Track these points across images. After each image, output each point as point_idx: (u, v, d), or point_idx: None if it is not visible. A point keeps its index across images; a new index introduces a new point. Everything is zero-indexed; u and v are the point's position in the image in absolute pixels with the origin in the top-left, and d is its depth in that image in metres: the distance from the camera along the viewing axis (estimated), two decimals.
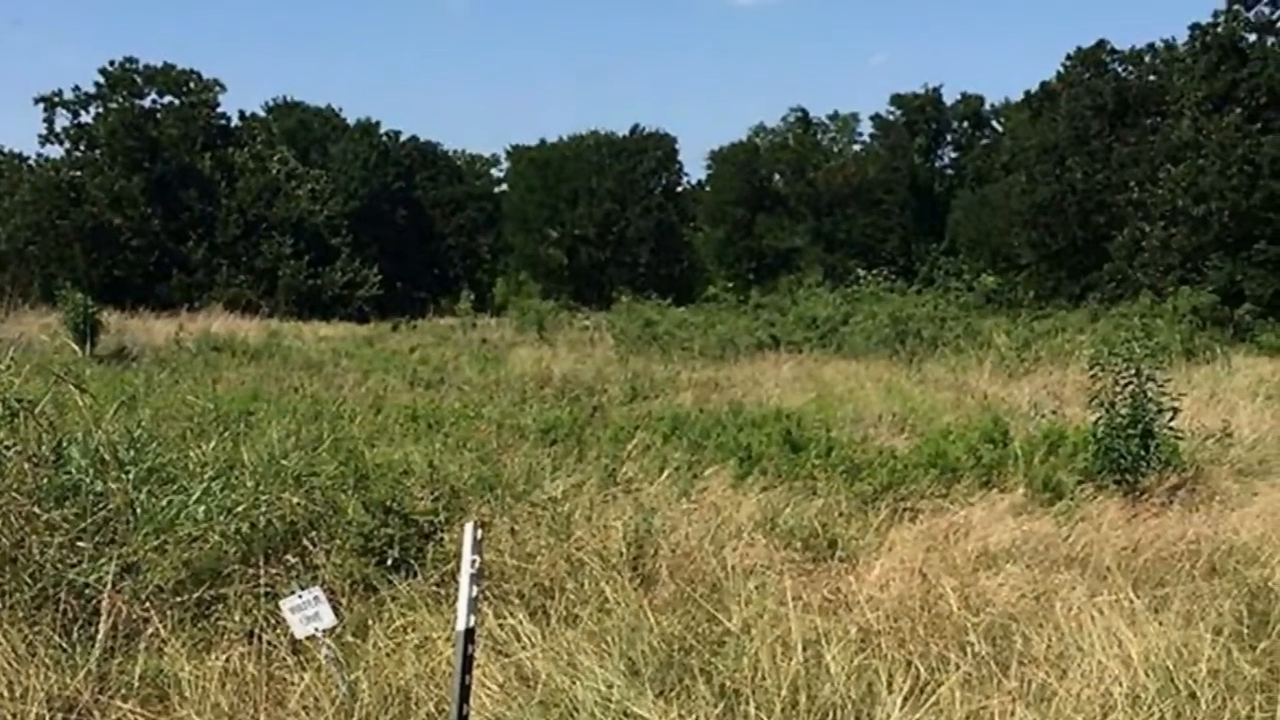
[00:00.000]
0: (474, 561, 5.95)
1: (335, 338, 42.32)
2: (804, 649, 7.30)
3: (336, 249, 69.20)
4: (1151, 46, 65.35)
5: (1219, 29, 52.29)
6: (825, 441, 14.98)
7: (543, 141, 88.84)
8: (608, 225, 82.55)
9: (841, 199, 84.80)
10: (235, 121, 74.21)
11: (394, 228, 77.92)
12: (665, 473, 13.08)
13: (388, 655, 7.62)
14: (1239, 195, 47.95)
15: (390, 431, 15.25)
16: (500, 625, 7.89)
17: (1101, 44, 65.73)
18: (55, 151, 68.78)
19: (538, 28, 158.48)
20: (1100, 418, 14.35)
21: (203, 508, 8.86)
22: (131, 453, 9.56)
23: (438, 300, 69.94)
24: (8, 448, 8.91)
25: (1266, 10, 52.16)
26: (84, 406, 10.60)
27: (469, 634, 5.93)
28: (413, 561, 9.02)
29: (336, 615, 7.40)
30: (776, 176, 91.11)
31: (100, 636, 7.52)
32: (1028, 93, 73.30)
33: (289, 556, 8.89)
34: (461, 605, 5.94)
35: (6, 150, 69.04)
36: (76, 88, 68.90)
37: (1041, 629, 7.99)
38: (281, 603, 7.19)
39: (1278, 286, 46.68)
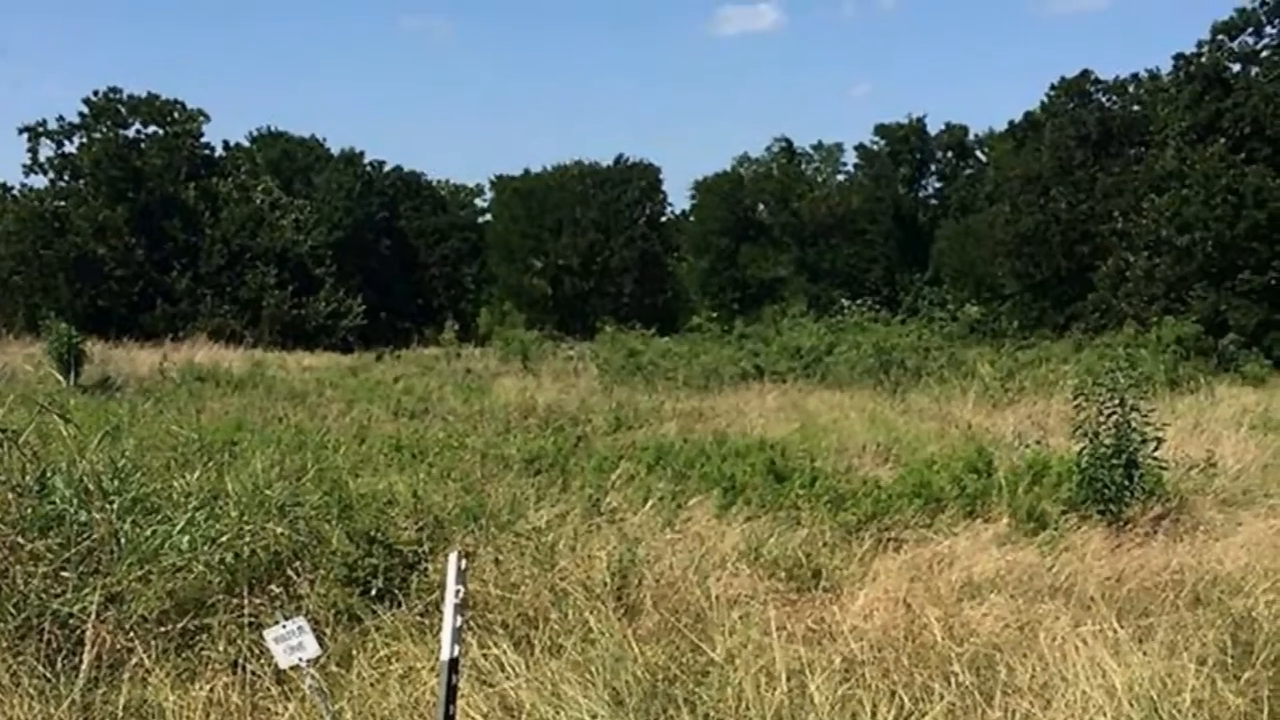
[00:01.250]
0: (458, 591, 5.96)
1: (319, 368, 42.21)
2: (788, 679, 7.30)
3: (320, 279, 69.05)
4: (1135, 77, 66.13)
5: (1203, 59, 52.54)
6: (809, 471, 15.00)
7: (527, 171, 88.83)
8: (592, 255, 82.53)
9: (826, 229, 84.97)
10: (219, 151, 74.24)
11: (378, 258, 77.77)
12: (649, 503, 13.07)
13: (372, 685, 7.62)
14: (1223, 225, 48.10)
15: (374, 461, 15.23)
16: (484, 655, 7.88)
17: (1085, 74, 66.30)
18: (39, 181, 68.74)
19: (522, 58, 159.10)
20: (1084, 448, 14.37)
21: (187, 538, 8.84)
22: (116, 483, 9.55)
23: (422, 330, 69.72)
24: None
25: (1250, 40, 52.52)
26: (68, 436, 10.59)
27: (453, 664, 5.93)
28: (397, 591, 9.01)
29: (321, 645, 7.36)
30: (761, 206, 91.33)
31: (84, 666, 7.50)
32: (1012, 122, 73.93)
33: (273, 586, 8.88)
34: (446, 635, 5.94)
35: None
36: (60, 118, 68.89)
37: (1025, 659, 8.00)
38: (265, 633, 7.16)
39: (1261, 316, 46.81)
